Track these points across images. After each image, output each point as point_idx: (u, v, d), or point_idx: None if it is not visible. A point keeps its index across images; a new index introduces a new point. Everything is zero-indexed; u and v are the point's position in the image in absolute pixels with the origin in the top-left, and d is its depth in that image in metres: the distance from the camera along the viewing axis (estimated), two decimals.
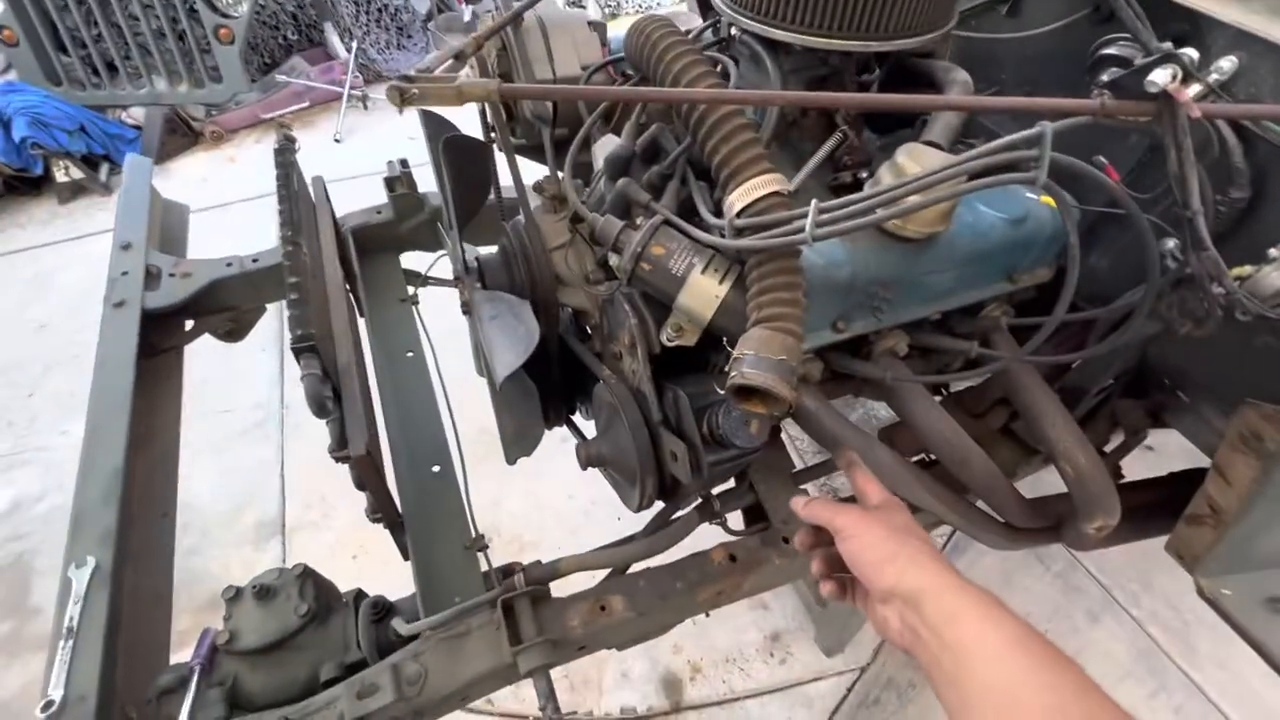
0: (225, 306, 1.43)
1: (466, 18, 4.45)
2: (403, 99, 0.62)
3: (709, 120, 0.66)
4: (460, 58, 0.84)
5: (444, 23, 4.47)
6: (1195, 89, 0.64)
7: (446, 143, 0.75)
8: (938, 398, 1.17)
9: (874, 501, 0.65)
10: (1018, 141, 0.57)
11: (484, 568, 1.01)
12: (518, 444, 1.02)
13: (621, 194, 0.77)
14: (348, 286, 1.35)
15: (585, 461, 0.86)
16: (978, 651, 0.50)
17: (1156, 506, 1.14)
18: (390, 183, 1.43)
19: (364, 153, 3.69)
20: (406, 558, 1.01)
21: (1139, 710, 1.77)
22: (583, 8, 3.94)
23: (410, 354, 1.32)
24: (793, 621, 1.93)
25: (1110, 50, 0.69)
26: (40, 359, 2.69)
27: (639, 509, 0.85)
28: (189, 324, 1.41)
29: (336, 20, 3.83)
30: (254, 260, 1.37)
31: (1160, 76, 0.52)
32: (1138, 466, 1.20)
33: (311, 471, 2.28)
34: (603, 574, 1.01)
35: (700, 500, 0.96)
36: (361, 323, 1.31)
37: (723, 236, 0.69)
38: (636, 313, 0.78)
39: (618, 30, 1.15)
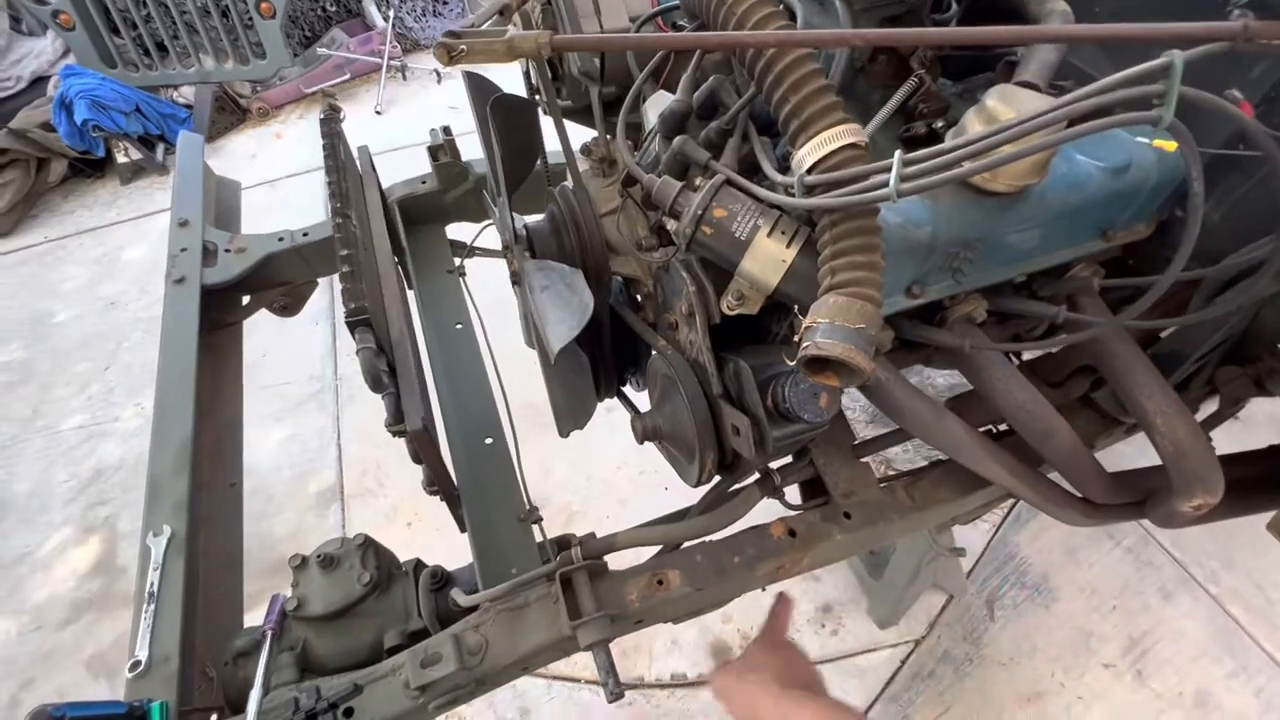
0: (279, 281, 1.45)
1: None
2: (450, 57, 0.59)
3: (777, 67, 0.61)
4: (505, 13, 0.80)
5: None
6: None
7: (495, 103, 0.72)
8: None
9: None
10: (1139, 75, 0.50)
11: (539, 539, 1.01)
12: (571, 416, 1.00)
13: (679, 153, 0.72)
14: (396, 259, 1.35)
15: (642, 435, 0.84)
16: None
17: (1255, 482, 1.05)
18: (434, 152, 1.41)
19: (405, 123, 3.70)
20: (463, 530, 1.02)
21: (1215, 690, 1.69)
22: None
23: (459, 325, 1.31)
24: (845, 593, 1.90)
25: None
26: (113, 335, 2.83)
27: (697, 484, 0.83)
28: (246, 299, 1.44)
29: None
30: (304, 235, 1.38)
31: None
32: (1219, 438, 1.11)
33: (366, 441, 2.34)
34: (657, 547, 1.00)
35: (760, 475, 0.92)
36: (410, 295, 1.31)
37: (790, 195, 0.64)
38: (695, 280, 0.74)
39: None
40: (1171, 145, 0.70)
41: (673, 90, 0.86)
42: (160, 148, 3.50)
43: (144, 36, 3.34)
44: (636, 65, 0.95)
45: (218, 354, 1.34)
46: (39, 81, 3.41)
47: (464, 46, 0.59)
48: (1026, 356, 1.18)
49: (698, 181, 0.70)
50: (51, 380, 2.69)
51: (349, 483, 2.28)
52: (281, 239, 1.41)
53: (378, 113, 3.76)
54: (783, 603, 0.99)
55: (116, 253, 3.12)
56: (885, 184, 0.53)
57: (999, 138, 0.53)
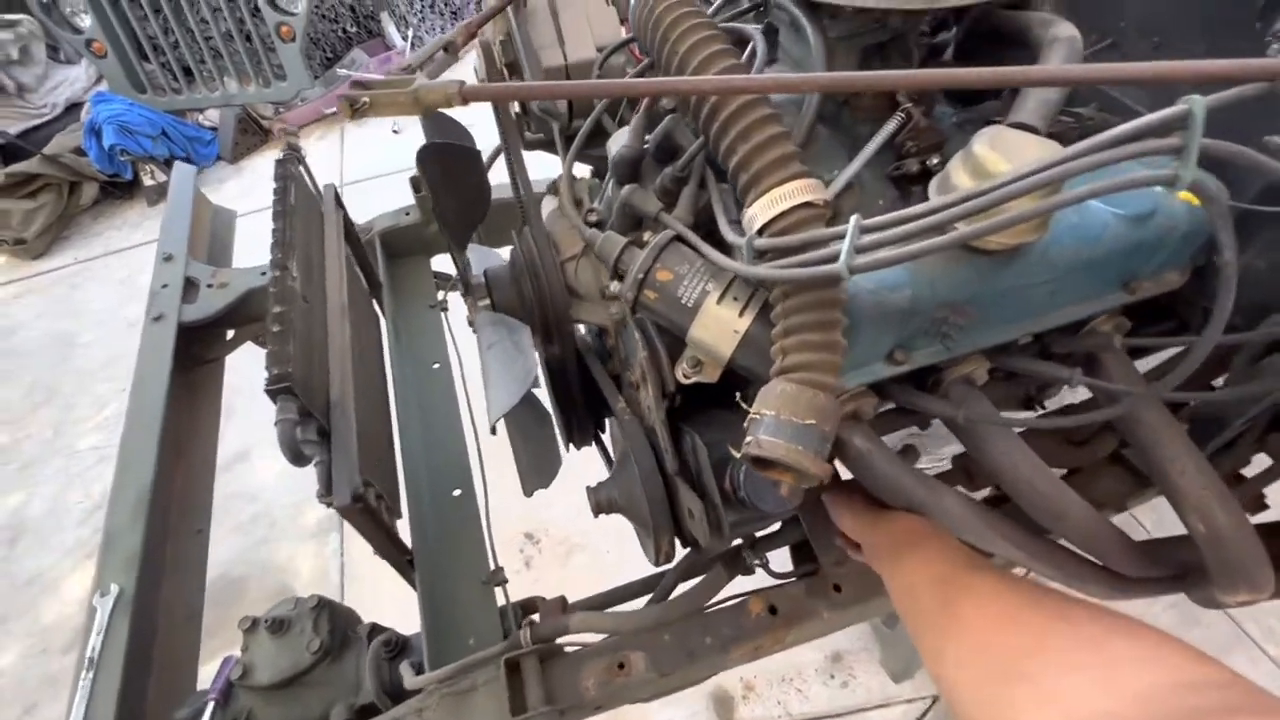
0: (264, 314, 1.42)
1: None
2: (353, 110, 0.53)
3: (722, 113, 0.53)
4: (450, 50, 0.74)
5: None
6: None
7: (424, 153, 0.66)
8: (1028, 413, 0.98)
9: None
10: (1152, 127, 0.41)
11: (503, 603, 0.94)
12: (534, 474, 0.93)
13: (626, 204, 0.65)
14: (373, 297, 1.30)
15: (596, 508, 0.76)
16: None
17: None
18: (416, 183, 1.36)
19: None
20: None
21: None
22: None
23: (436, 365, 1.26)
24: (857, 641, 1.78)
25: None
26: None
27: (657, 564, 0.74)
28: (230, 334, 1.41)
29: (392, 9, 3.83)
30: None
31: None
32: None
33: None
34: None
35: (731, 553, 0.84)
36: (387, 333, 1.26)
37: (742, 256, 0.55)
38: (648, 344, 0.66)
39: None
40: (1196, 200, 0.60)
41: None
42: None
43: (171, 62, 3.43)
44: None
45: (196, 392, 1.31)
46: (73, 108, 3.53)
47: (366, 99, 0.52)
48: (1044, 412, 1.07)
49: (647, 236, 0.63)
50: (74, 401, 2.75)
51: None
52: (264, 273, 1.38)
53: (395, 132, 3.79)
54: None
55: (140, 274, 3.19)
56: (838, 257, 0.44)
57: (976, 203, 0.43)
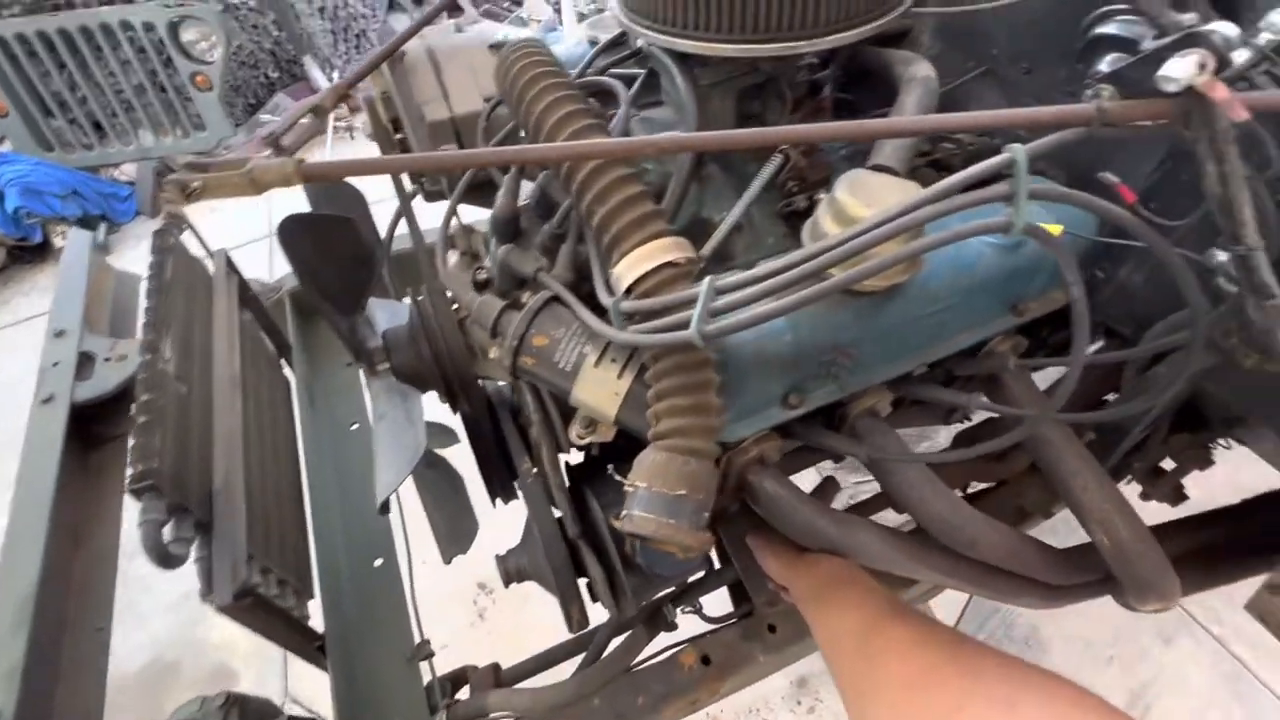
0: None
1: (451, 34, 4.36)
2: (186, 196, 0.49)
3: (578, 174, 0.51)
4: (319, 113, 0.71)
5: None
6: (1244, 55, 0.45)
7: (286, 228, 0.62)
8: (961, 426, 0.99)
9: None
10: (981, 174, 0.41)
11: (430, 679, 0.89)
12: (451, 540, 0.89)
13: (503, 264, 0.62)
14: (283, 360, 1.25)
15: (505, 578, 0.73)
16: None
17: (1230, 546, 0.94)
18: None
19: (356, 184, 3.63)
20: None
21: None
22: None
23: (355, 425, 1.21)
24: (820, 664, 1.76)
25: (1108, 29, 0.51)
26: None
27: (572, 632, 0.71)
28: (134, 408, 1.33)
29: (315, 52, 3.77)
30: None
31: (1180, 69, 0.35)
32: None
33: None
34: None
35: (651, 609, 0.81)
36: (298, 397, 1.20)
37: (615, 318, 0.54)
38: (539, 408, 0.64)
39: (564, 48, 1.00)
40: (1057, 229, 0.61)
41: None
42: (103, 227, 3.42)
43: (79, 118, 3.29)
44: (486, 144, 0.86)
45: (97, 473, 1.22)
46: None
47: (198, 183, 0.49)
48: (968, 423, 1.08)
49: (524, 297, 0.61)
50: None
51: None
52: None
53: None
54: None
55: None
56: (689, 322, 0.43)
57: (824, 259, 0.43)
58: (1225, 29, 0.40)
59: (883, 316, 0.60)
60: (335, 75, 3.80)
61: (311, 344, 1.29)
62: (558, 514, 0.72)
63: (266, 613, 0.71)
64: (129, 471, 0.62)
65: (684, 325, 0.45)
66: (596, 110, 0.57)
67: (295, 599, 0.84)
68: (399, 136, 0.87)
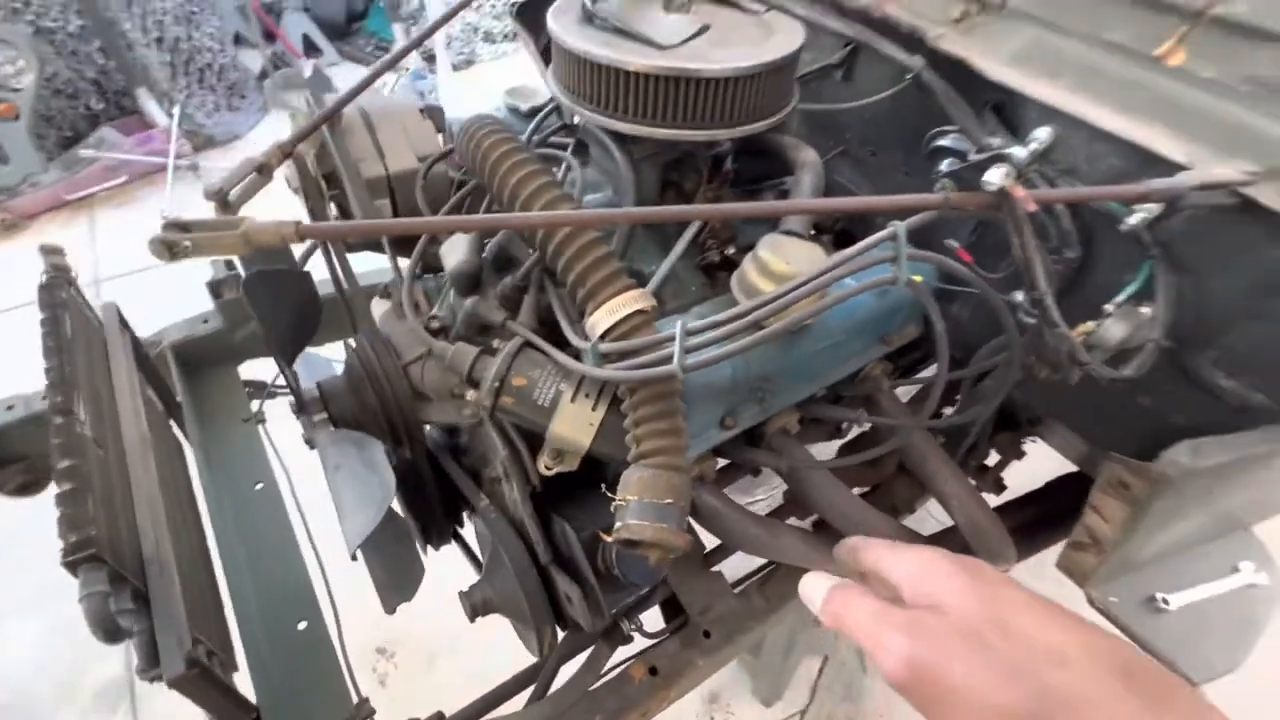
0: (12, 458, 1.17)
1: (307, 73, 4.19)
2: (172, 254, 0.50)
3: (556, 237, 0.60)
4: (264, 171, 0.72)
5: (281, 80, 4.18)
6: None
7: (251, 282, 0.63)
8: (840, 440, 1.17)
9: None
10: (874, 243, 0.55)
11: None
12: (395, 589, 0.88)
13: (472, 314, 0.68)
14: (172, 421, 1.15)
15: (472, 611, 0.75)
16: None
17: (1041, 521, 1.20)
18: (216, 287, 1.24)
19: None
20: None
21: None
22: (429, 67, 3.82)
23: (259, 485, 1.14)
24: (729, 678, 1.88)
25: (944, 142, 0.70)
26: None
27: (541, 656, 0.75)
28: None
29: (151, 85, 3.44)
30: (44, 399, 1.13)
31: (995, 176, 0.52)
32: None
33: None
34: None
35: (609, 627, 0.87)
36: (195, 459, 1.11)
37: (588, 359, 0.62)
38: (508, 444, 0.69)
39: (458, 114, 1.06)
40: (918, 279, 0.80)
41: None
42: None
43: None
44: (426, 204, 0.91)
45: None
46: None
47: (189, 243, 0.51)
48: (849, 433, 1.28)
49: (495, 344, 0.67)
50: None
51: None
52: (11, 406, 1.14)
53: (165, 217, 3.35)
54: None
55: None
56: (671, 359, 0.53)
57: (773, 306, 0.55)
58: (1019, 151, 0.59)
59: (796, 350, 0.74)
60: (175, 110, 3.49)
61: (201, 401, 1.20)
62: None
63: (209, 685, 0.67)
64: (63, 543, 0.58)
65: (662, 362, 0.54)
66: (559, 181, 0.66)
67: (223, 672, 0.79)
68: (332, 192, 0.89)
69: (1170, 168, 0.59)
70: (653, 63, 0.67)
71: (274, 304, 0.67)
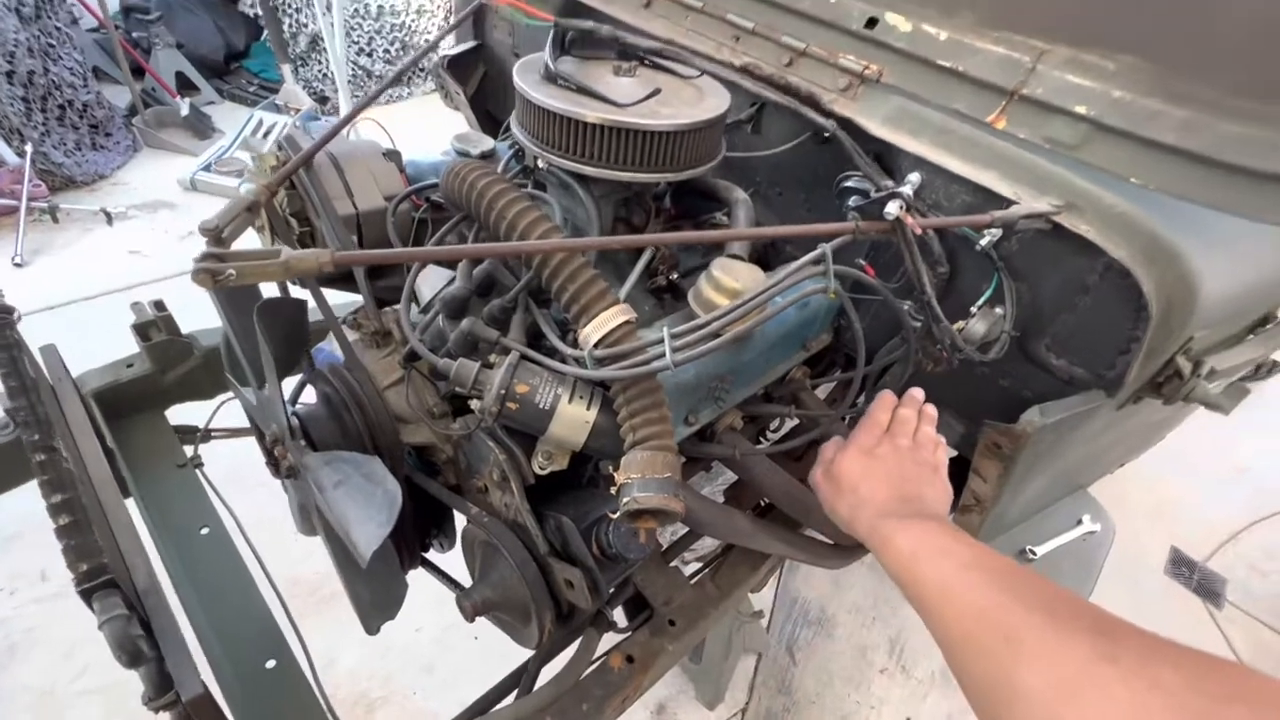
0: None
1: (184, 111, 3.96)
2: (215, 282, 0.55)
3: (552, 262, 0.70)
4: (253, 209, 0.77)
5: (154, 118, 3.93)
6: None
7: (264, 310, 0.68)
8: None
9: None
10: (809, 261, 0.71)
11: None
12: (379, 609, 0.91)
13: (468, 334, 0.76)
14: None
15: (471, 612, 0.81)
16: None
17: None
18: (143, 330, 1.20)
19: (61, 275, 3.03)
20: None
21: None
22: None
23: (205, 529, 1.10)
24: (673, 687, 1.96)
25: (850, 183, 0.89)
26: None
27: (538, 645, 0.82)
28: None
29: (1, 121, 3.12)
30: None
31: (892, 207, 0.70)
32: None
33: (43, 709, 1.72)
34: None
35: (594, 616, 0.95)
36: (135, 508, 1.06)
37: (579, 364, 0.72)
38: (505, 449, 0.77)
39: (415, 155, 1.14)
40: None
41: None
42: None
43: None
44: (398, 235, 0.98)
45: None
46: None
47: (232, 271, 0.56)
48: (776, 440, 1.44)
49: (492, 359, 0.75)
50: None
51: None
52: None
53: (17, 265, 3.01)
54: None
55: None
56: (664, 355, 0.65)
57: (737, 313, 0.68)
58: (907, 189, 0.78)
59: (744, 354, 0.88)
60: (28, 148, 3.17)
61: (132, 450, 1.15)
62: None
63: (217, 711, 0.67)
64: (73, 574, 0.58)
65: (648, 363, 0.66)
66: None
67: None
68: (304, 229, 0.93)
69: (1005, 202, 0.81)
70: (615, 118, 0.81)
71: (272, 331, 0.71)
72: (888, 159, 0.94)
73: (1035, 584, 0.54)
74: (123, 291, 2.93)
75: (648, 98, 0.83)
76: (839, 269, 0.72)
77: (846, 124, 0.93)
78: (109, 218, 3.32)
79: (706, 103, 0.89)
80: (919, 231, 0.72)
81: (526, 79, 0.87)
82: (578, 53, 0.94)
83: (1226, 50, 0.72)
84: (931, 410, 0.91)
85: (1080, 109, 0.77)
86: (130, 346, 1.23)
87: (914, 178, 0.87)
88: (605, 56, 0.94)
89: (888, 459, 0.80)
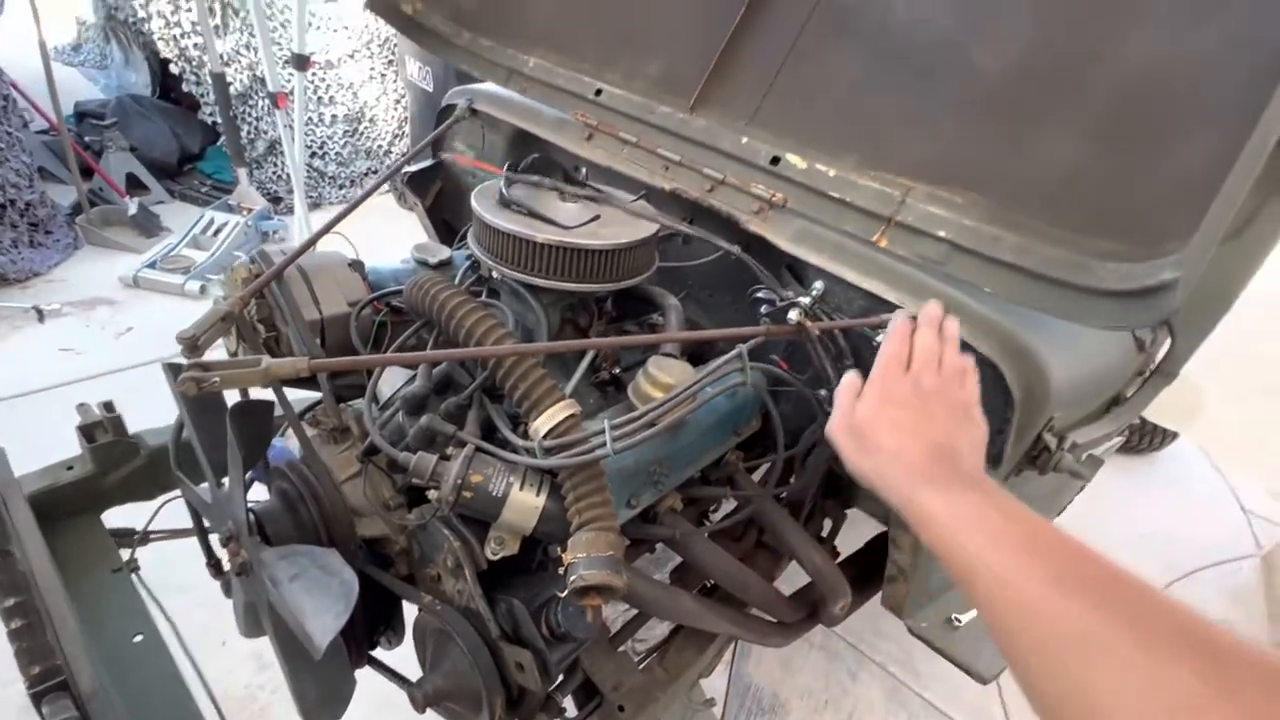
0: None
1: (131, 210, 3.98)
2: (200, 389, 0.62)
3: (505, 364, 0.79)
4: (228, 320, 0.84)
5: (99, 216, 3.93)
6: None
7: (238, 411, 0.73)
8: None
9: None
10: (730, 360, 0.83)
11: None
12: (326, 709, 0.90)
13: (427, 429, 0.83)
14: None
15: (422, 704, 0.82)
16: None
17: (866, 572, 1.51)
18: (88, 431, 1.20)
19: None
20: None
21: None
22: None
23: (139, 637, 1.07)
24: None
25: (760, 294, 1.04)
26: None
27: None
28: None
29: None
30: None
31: (794, 314, 0.84)
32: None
33: None
34: None
35: (545, 701, 0.97)
36: None
37: (529, 454, 0.80)
38: (459, 536, 0.82)
39: (376, 264, 1.24)
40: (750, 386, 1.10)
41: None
42: None
43: None
44: (360, 340, 1.06)
45: None
46: None
47: (216, 379, 0.63)
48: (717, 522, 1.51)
49: (449, 451, 0.82)
50: None
51: None
52: None
53: None
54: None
55: None
56: (605, 444, 0.73)
57: (670, 404, 0.79)
58: (805, 299, 0.92)
59: (680, 439, 0.98)
60: None
61: (66, 556, 1.12)
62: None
63: None
64: (24, 676, 0.59)
65: (592, 451, 0.75)
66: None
67: None
68: (270, 334, 1.00)
69: (891, 306, 0.96)
70: (561, 239, 0.94)
71: (243, 432, 0.76)
72: (798, 268, 1.10)
73: (1108, 574, 0.46)
74: (50, 390, 2.82)
75: (589, 221, 0.97)
76: (757, 365, 0.84)
77: (761, 240, 1.10)
78: (40, 314, 3.24)
79: (640, 224, 1.04)
80: (816, 333, 0.85)
81: (483, 204, 1.00)
82: (527, 181, 1.09)
83: (1045, 192, 0.92)
84: (953, 327, 0.79)
85: (941, 233, 0.95)
86: (51, 448, 1.23)
87: (819, 285, 1.03)
88: (552, 186, 1.09)
89: (913, 405, 0.68)
